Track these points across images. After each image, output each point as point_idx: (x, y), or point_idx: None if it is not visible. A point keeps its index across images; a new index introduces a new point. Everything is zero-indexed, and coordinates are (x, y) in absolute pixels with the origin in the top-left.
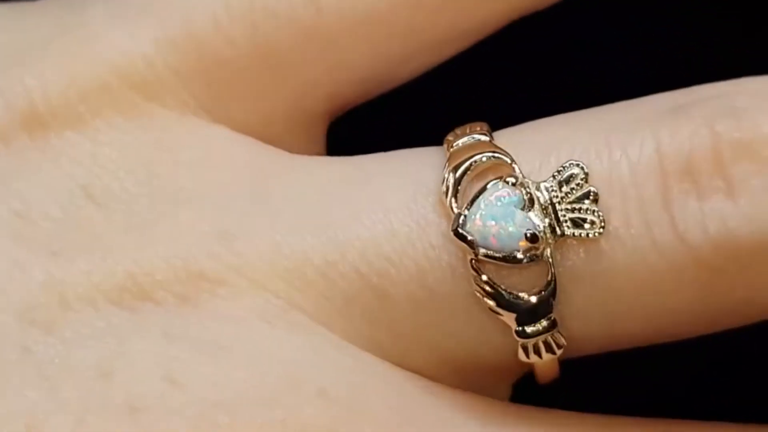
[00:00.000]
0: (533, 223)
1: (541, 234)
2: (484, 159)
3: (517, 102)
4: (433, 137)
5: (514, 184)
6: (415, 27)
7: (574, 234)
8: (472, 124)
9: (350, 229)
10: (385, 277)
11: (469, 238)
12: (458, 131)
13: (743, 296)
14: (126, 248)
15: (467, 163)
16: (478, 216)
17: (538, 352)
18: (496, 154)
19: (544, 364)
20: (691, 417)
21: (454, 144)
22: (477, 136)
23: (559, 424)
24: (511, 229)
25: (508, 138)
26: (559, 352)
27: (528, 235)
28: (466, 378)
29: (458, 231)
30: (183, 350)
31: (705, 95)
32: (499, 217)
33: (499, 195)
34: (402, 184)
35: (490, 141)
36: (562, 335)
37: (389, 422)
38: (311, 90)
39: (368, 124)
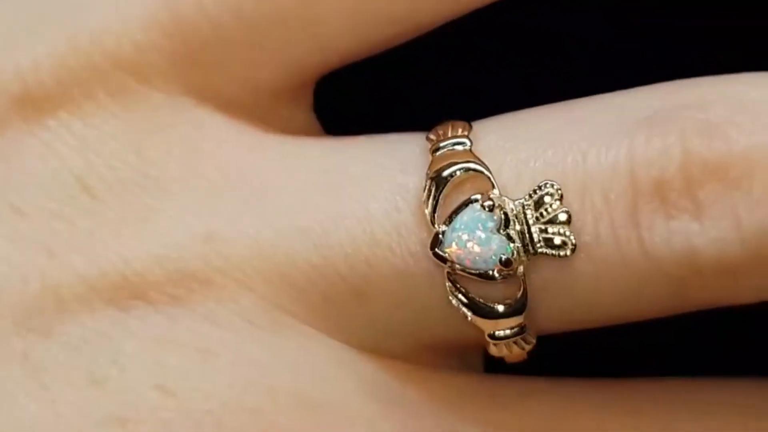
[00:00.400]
0: (507, 247)
1: (515, 257)
2: (463, 171)
3: (504, 77)
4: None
5: (491, 208)
6: None
7: (546, 253)
8: (455, 124)
9: (334, 234)
10: (365, 279)
11: (447, 258)
12: (440, 131)
13: (708, 300)
14: (119, 246)
15: (447, 172)
16: (455, 239)
17: (508, 348)
18: (476, 167)
19: (514, 356)
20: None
21: (437, 148)
22: (458, 143)
23: (533, 391)
24: (486, 254)
25: (488, 142)
26: (527, 348)
27: (503, 260)
28: (441, 355)
29: (436, 252)
30: (173, 356)
31: (684, 101)
32: (476, 243)
33: (476, 216)
34: (385, 188)
35: (470, 150)
36: (531, 335)
37: (374, 416)
38: (297, 63)
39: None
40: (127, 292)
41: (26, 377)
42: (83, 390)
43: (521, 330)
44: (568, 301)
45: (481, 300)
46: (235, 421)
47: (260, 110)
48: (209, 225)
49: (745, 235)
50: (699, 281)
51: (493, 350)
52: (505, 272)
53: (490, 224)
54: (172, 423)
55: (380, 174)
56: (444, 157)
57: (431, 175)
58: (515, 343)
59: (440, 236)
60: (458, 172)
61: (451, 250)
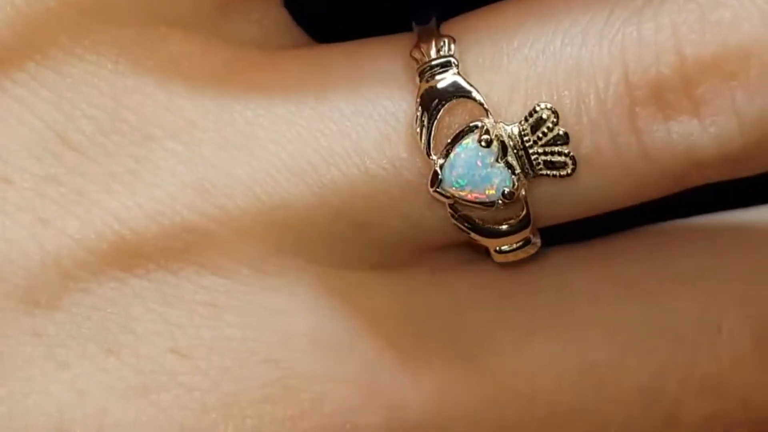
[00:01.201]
0: (508, 179)
1: (516, 186)
2: (455, 99)
3: None
4: None
5: (488, 142)
6: None
7: (547, 174)
8: (437, 37)
9: (327, 174)
10: (365, 212)
11: (448, 195)
12: (423, 47)
13: (708, 180)
14: (111, 205)
15: (436, 101)
16: (454, 181)
17: (514, 256)
18: (467, 93)
19: (519, 258)
20: None
21: (423, 70)
22: (446, 63)
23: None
24: (488, 192)
25: (474, 58)
26: (533, 251)
27: (505, 192)
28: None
29: (437, 191)
30: (182, 315)
31: None
32: (476, 182)
33: (473, 153)
34: (375, 119)
35: (458, 73)
36: (536, 240)
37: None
38: None
39: None
40: (127, 252)
41: (42, 357)
42: (101, 362)
43: (526, 242)
44: (570, 207)
45: (484, 222)
46: (253, 375)
47: (229, 19)
48: (199, 174)
49: (745, 127)
50: (700, 173)
51: (499, 258)
52: (508, 201)
53: (489, 158)
54: (192, 386)
55: (367, 103)
56: (433, 82)
57: (421, 103)
58: (520, 250)
59: (439, 173)
60: (450, 99)
61: (453, 190)
